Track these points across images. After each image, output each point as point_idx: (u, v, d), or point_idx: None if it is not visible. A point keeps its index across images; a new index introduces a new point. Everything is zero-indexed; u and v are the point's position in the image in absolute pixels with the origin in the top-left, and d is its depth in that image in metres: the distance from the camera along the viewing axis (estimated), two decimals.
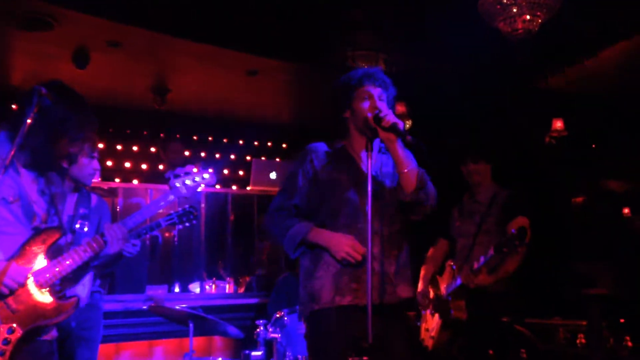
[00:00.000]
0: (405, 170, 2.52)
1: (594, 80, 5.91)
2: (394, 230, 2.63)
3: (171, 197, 2.71)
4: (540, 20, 4.49)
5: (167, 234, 5.65)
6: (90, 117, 2.54)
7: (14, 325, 2.27)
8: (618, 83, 5.88)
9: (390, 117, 2.46)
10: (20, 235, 2.38)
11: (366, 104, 2.60)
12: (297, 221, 2.60)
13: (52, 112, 2.40)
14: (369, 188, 2.38)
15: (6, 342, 2.24)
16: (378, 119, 2.47)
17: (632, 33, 5.29)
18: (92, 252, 2.47)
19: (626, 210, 5.93)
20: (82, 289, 2.64)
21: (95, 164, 3.24)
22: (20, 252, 2.35)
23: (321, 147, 2.75)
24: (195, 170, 2.79)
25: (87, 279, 2.65)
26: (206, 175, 2.80)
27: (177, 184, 2.73)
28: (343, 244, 2.50)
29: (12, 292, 2.29)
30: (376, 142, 2.65)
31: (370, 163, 2.47)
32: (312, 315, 2.57)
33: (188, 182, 2.74)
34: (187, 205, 3.10)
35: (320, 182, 2.63)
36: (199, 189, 2.80)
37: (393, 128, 2.45)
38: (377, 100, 2.60)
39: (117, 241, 2.52)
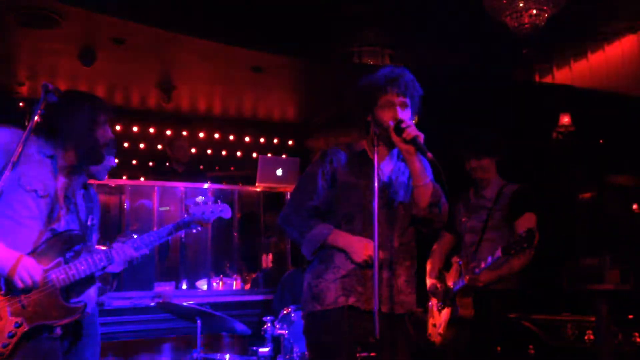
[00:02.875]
0: (421, 184, 2.49)
1: (600, 75, 5.88)
2: (405, 241, 2.62)
3: (186, 219, 2.82)
4: (546, 15, 4.47)
5: None
6: (101, 100, 2.66)
7: (22, 320, 2.30)
8: (625, 77, 5.85)
9: (411, 130, 2.41)
10: (37, 232, 2.40)
11: (388, 114, 2.53)
12: (317, 223, 2.59)
13: (77, 110, 2.51)
14: (375, 186, 2.38)
15: (11, 335, 2.28)
16: (400, 129, 2.43)
17: (638, 27, 5.26)
18: (106, 261, 2.52)
19: (635, 207, 5.90)
20: (89, 296, 2.68)
21: (112, 160, 3.28)
22: (41, 250, 2.38)
23: (342, 150, 2.70)
24: (214, 202, 2.88)
25: (93, 288, 2.69)
26: (222, 209, 2.89)
27: (195, 212, 2.82)
28: (364, 248, 2.49)
29: (26, 287, 2.30)
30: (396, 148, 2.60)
31: (376, 158, 2.45)
32: (313, 314, 2.58)
33: (205, 212, 2.84)
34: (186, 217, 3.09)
35: (338, 184, 2.61)
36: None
37: (414, 141, 2.41)
38: (400, 111, 2.53)
39: (122, 263, 2.59)
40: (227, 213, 2.93)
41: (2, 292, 2.31)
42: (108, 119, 2.62)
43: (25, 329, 2.30)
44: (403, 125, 2.43)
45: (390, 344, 2.50)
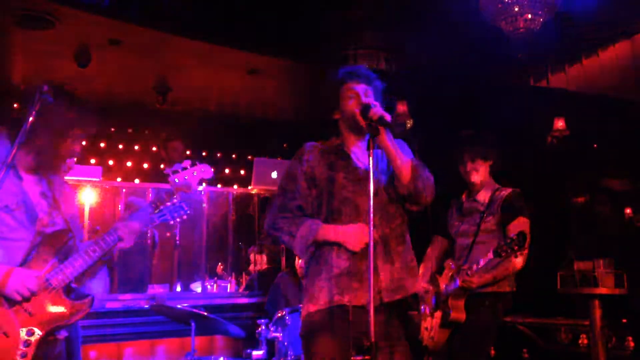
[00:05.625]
0: (399, 162, 2.50)
1: (595, 79, 5.91)
2: (395, 226, 2.61)
3: (169, 188, 2.75)
4: (541, 19, 4.49)
5: (167, 234, 5.64)
6: (91, 115, 2.58)
7: (34, 327, 2.30)
8: (619, 82, 5.87)
9: (377, 110, 2.42)
10: (24, 240, 2.38)
11: (352, 102, 2.57)
12: (304, 220, 2.58)
13: (57, 113, 2.43)
14: (370, 184, 2.37)
15: (26, 344, 2.27)
16: (365, 112, 2.44)
17: (632, 32, 5.29)
18: (101, 251, 2.50)
19: (628, 211, 5.93)
20: (98, 283, 2.66)
21: (71, 162, 3.13)
22: (31, 258, 2.37)
23: (317, 146, 2.73)
24: (192, 165, 2.81)
25: (102, 273, 2.66)
26: (203, 169, 2.81)
27: (177, 180, 2.74)
28: (358, 235, 2.49)
29: (24, 297, 2.29)
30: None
31: (371, 159, 2.44)
32: (309, 315, 2.57)
33: (187, 177, 2.77)
34: (177, 201, 3.03)
35: (319, 181, 2.62)
36: (200, 187, 2.82)
37: (381, 120, 2.40)
38: (363, 97, 2.57)
39: (132, 236, 2.57)
40: (207, 173, 2.84)
41: (6, 306, 2.30)
42: (84, 135, 2.56)
43: (40, 336, 2.30)
44: (370, 106, 2.44)
45: (387, 343, 2.48)
